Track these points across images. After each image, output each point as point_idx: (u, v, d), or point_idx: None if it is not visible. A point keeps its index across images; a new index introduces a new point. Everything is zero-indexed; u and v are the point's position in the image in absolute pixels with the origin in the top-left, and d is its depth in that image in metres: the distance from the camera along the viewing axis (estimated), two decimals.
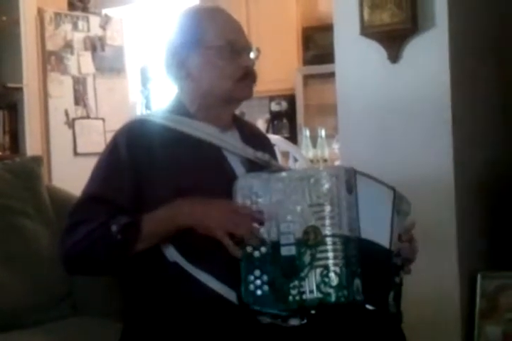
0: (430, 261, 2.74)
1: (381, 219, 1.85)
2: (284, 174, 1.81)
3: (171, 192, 1.85)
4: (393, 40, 2.94)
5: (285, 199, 1.76)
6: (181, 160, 1.92)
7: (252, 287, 1.75)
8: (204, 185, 1.87)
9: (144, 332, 1.87)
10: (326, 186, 1.73)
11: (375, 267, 1.78)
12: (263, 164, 2.00)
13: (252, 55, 2.03)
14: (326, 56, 5.74)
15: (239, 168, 1.98)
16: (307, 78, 6.90)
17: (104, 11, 6.51)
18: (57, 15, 6.07)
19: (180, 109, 2.02)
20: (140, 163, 1.88)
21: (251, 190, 1.80)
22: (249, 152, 2.01)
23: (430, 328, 2.82)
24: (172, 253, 1.85)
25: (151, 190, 1.87)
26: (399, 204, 1.90)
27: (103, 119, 6.26)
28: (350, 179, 1.76)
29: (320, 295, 1.68)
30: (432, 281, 2.80)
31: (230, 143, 2.00)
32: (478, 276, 2.91)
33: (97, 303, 2.35)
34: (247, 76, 2.00)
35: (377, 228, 1.82)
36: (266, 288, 1.74)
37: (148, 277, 1.89)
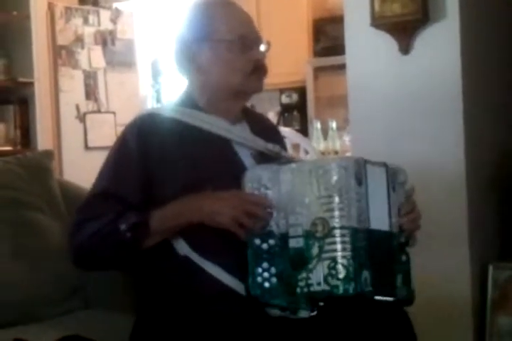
0: (442, 252, 2.74)
1: (380, 203, 1.82)
2: (293, 165, 1.80)
3: (180, 185, 1.85)
4: (404, 31, 2.93)
5: (294, 191, 1.75)
6: (191, 154, 1.92)
7: (259, 279, 1.75)
8: (214, 178, 1.87)
9: (156, 325, 1.87)
10: (335, 178, 1.72)
11: (382, 255, 1.78)
12: (273, 155, 2.00)
13: (262, 48, 2.03)
14: (336, 48, 5.73)
15: (249, 161, 1.97)
16: (318, 70, 6.88)
17: (114, 5, 6.49)
18: (68, 9, 6.06)
19: (189, 103, 2.02)
20: (150, 157, 1.88)
21: (260, 182, 1.79)
22: (260, 143, 2.01)
23: (442, 318, 2.82)
24: (182, 247, 1.85)
25: (161, 183, 1.87)
26: (393, 178, 1.86)
27: (114, 113, 6.25)
28: (359, 170, 1.74)
29: (327, 288, 1.68)
30: (444, 272, 2.80)
31: (240, 135, 2.00)
32: (490, 267, 2.90)
33: (108, 297, 2.35)
34: (258, 69, 2.00)
35: (378, 213, 1.80)
36: (274, 280, 1.74)
37: (159, 270, 1.90)
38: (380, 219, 1.80)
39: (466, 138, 2.85)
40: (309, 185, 1.74)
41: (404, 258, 1.87)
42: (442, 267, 2.78)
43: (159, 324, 1.87)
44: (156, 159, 1.88)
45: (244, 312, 1.79)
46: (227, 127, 1.98)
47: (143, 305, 1.95)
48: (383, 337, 1.77)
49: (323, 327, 1.77)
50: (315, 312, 1.76)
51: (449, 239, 2.77)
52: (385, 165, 1.85)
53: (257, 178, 1.80)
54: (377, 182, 1.81)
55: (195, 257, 1.84)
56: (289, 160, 1.95)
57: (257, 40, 2.02)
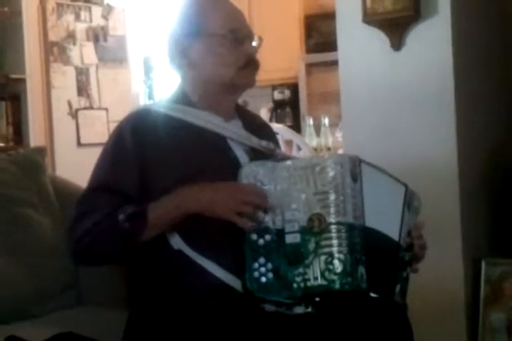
0: (434, 248, 2.74)
1: (390, 212, 1.86)
2: (289, 162, 1.82)
3: (176, 180, 1.85)
4: (396, 27, 2.93)
5: (290, 188, 1.76)
6: (186, 149, 1.92)
7: (256, 274, 1.75)
8: (209, 172, 1.87)
9: (149, 321, 1.87)
10: (331, 174, 1.74)
11: (381, 256, 1.79)
12: (268, 153, 2.00)
13: (254, 43, 2.04)
14: (328, 44, 5.72)
15: (243, 157, 1.98)
16: (310, 66, 6.88)
17: (106, 1, 6.48)
18: (60, 5, 6.05)
19: (182, 98, 2.02)
20: (145, 151, 1.89)
21: (256, 178, 1.80)
22: (254, 141, 2.01)
23: (435, 315, 2.82)
24: (177, 241, 1.85)
25: (157, 178, 1.88)
26: (410, 200, 1.92)
27: (106, 110, 6.25)
28: (355, 167, 1.76)
29: (324, 282, 1.68)
30: (437, 268, 2.80)
31: (235, 132, 2.00)
32: (483, 263, 2.91)
33: (101, 293, 2.36)
34: (250, 64, 2.00)
35: (385, 219, 1.82)
36: (270, 275, 1.75)
37: (153, 265, 1.89)
38: (390, 227, 1.83)
39: (458, 134, 2.85)
40: (306, 182, 1.75)
41: (404, 274, 1.89)
42: (435, 263, 2.77)
43: (153, 319, 1.87)
44: (151, 154, 1.89)
45: (239, 307, 1.79)
46: (221, 124, 1.99)
47: (137, 301, 1.95)
48: (379, 334, 1.78)
49: (318, 323, 1.77)
50: (310, 308, 1.76)
51: (441, 235, 2.78)
52: (405, 185, 1.91)
53: (253, 174, 1.81)
54: (392, 194, 1.87)
55: (189, 251, 1.83)
56: (284, 157, 1.97)
57: (249, 35, 2.03)
